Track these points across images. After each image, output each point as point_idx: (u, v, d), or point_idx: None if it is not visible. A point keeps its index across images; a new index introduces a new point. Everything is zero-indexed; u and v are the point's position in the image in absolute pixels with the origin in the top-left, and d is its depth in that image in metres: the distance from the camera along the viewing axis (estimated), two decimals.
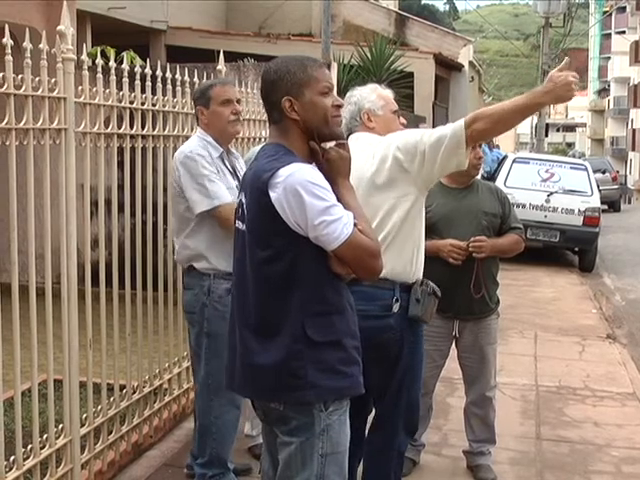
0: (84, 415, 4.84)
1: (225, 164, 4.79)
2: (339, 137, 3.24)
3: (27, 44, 4.10)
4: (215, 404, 4.84)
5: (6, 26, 4.06)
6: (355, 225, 3.02)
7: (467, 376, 5.49)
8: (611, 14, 63.94)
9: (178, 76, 5.69)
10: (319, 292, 3.08)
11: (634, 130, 60.79)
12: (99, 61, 4.83)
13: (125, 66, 5.12)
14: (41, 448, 4.43)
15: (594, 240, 15.42)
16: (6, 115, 3.98)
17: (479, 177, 5.54)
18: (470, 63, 24.77)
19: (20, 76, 4.09)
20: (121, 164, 5.27)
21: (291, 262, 3.04)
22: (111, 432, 5.16)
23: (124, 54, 5.84)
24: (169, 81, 5.61)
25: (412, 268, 4.07)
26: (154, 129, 5.49)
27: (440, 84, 22.22)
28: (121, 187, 5.28)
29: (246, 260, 3.15)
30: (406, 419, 4.31)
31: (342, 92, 4.56)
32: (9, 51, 3.99)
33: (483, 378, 5.41)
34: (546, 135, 32.83)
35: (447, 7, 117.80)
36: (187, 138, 5.24)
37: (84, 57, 4.65)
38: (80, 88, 4.65)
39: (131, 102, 5.22)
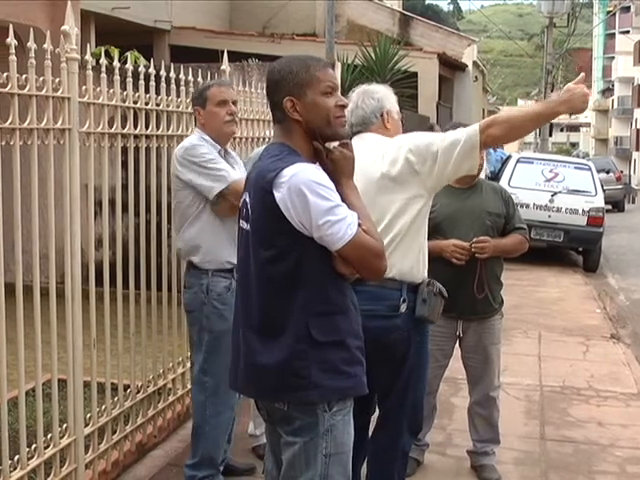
0: (88, 415, 4.84)
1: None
2: (342, 137, 3.23)
3: (31, 44, 4.11)
4: (210, 403, 4.85)
5: (10, 26, 4.04)
6: (359, 225, 3.01)
7: (471, 376, 5.49)
8: (615, 14, 64.07)
9: (182, 76, 5.70)
10: (323, 292, 3.08)
11: (638, 130, 60.79)
12: (103, 61, 4.85)
13: (129, 66, 5.12)
14: (45, 448, 4.43)
15: (598, 240, 15.41)
16: (10, 115, 3.99)
17: (483, 176, 5.53)
18: (474, 63, 24.74)
19: (24, 76, 4.10)
20: (125, 164, 5.27)
21: (295, 262, 3.04)
22: (115, 432, 5.16)
23: (128, 54, 5.83)
24: (173, 81, 5.62)
25: (419, 268, 4.08)
26: (158, 129, 5.49)
27: (444, 84, 22.20)
28: (125, 187, 5.28)
29: (250, 260, 3.15)
30: (410, 419, 4.30)
31: (346, 92, 4.55)
32: (13, 51, 4.00)
33: (487, 378, 5.40)
34: (550, 135, 32.85)
35: (451, 7, 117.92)
36: None
37: (88, 57, 4.65)
38: (84, 88, 4.65)
39: (135, 102, 5.23)
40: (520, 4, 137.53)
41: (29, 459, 4.30)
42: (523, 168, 15.96)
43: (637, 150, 61.14)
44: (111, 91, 4.95)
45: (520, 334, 9.81)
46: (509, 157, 17.96)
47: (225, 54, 6.15)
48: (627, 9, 64.88)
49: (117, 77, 5.00)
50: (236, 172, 4.72)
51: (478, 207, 5.21)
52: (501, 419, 5.59)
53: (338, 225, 2.96)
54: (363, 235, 3.02)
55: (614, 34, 75.04)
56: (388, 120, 4.28)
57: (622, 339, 9.99)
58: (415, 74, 18.17)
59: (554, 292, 13.07)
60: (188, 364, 5.93)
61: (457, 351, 5.42)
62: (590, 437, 6.39)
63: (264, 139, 6.75)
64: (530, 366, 8.38)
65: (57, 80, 4.38)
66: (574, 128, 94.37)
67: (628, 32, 65.09)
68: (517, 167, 15.99)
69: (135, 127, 5.23)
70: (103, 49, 7.60)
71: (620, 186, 33.84)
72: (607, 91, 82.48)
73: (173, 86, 5.60)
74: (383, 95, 4.33)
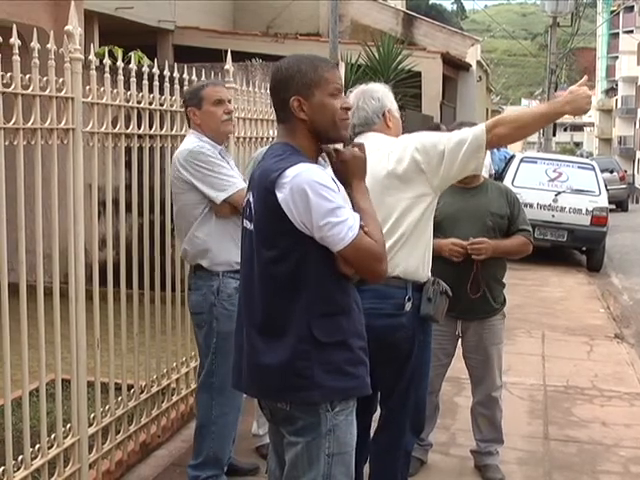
0: (92, 415, 4.85)
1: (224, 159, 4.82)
2: (345, 140, 3.24)
3: (35, 44, 4.11)
4: (216, 403, 4.85)
5: (14, 26, 4.05)
6: (361, 227, 3.01)
7: (473, 376, 5.49)
8: (619, 13, 63.93)
9: (185, 76, 5.70)
10: (326, 292, 3.08)
11: None
12: (107, 61, 4.84)
13: (133, 66, 5.13)
14: (49, 448, 4.44)
15: (602, 240, 15.40)
16: (14, 115, 3.99)
17: (486, 175, 5.52)
18: (478, 63, 24.74)
19: (28, 76, 4.10)
20: (129, 164, 5.28)
21: (297, 262, 3.04)
22: (119, 432, 5.16)
23: (131, 54, 5.84)
24: (176, 81, 5.62)
25: (424, 267, 4.09)
26: (162, 129, 5.50)
27: (448, 84, 22.19)
28: (129, 187, 5.28)
29: (253, 260, 3.15)
30: (413, 418, 4.30)
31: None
32: (17, 51, 4.00)
33: (489, 378, 5.40)
34: (554, 134, 32.81)
35: (455, 7, 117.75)
36: None
37: (92, 57, 4.66)
38: (88, 88, 4.66)
39: (139, 102, 5.23)
40: (524, 4, 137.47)
41: (33, 459, 4.30)
42: (527, 168, 15.95)
43: None
44: (115, 91, 4.95)
45: (524, 334, 9.80)
46: (513, 156, 17.95)
47: (229, 54, 6.15)
48: (631, 9, 64.72)
49: (121, 77, 5.01)
50: (241, 180, 4.73)
51: (481, 207, 5.21)
52: (505, 419, 5.58)
53: (339, 227, 2.96)
54: (364, 237, 3.01)
55: (618, 34, 74.95)
56: (390, 119, 4.29)
57: (626, 339, 9.98)
58: (419, 74, 18.16)
59: (558, 292, 13.07)
60: (192, 364, 5.94)
61: (459, 350, 5.42)
62: (594, 437, 6.38)
63: (267, 139, 6.75)
64: (534, 366, 8.38)
65: (61, 80, 4.39)
66: (578, 128, 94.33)
67: (632, 32, 64.97)
68: (521, 167, 15.98)
69: (139, 127, 5.24)
70: (107, 49, 7.62)
71: (624, 186, 33.85)
72: (611, 91, 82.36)
73: (177, 86, 5.60)
74: (383, 94, 4.33)
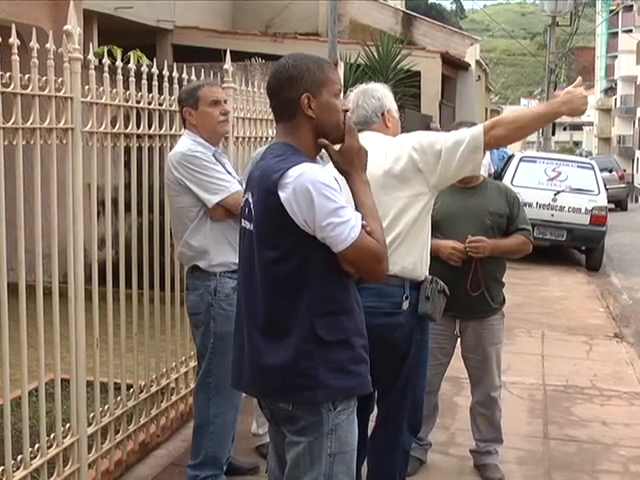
0: (91, 414, 4.85)
1: (218, 162, 4.82)
2: (344, 141, 3.24)
3: (34, 44, 4.11)
4: (214, 403, 4.85)
5: (13, 26, 4.05)
6: (363, 227, 3.01)
7: (472, 376, 5.49)
8: (618, 13, 63.94)
9: (185, 75, 5.70)
10: (328, 292, 3.08)
11: None
12: (106, 61, 4.84)
13: (132, 65, 5.12)
14: (48, 447, 4.44)
15: (601, 239, 15.41)
16: (13, 115, 3.99)
17: (486, 175, 5.52)
18: (477, 62, 24.75)
19: (27, 76, 4.10)
20: (128, 164, 5.28)
21: (299, 262, 3.04)
22: (118, 431, 5.16)
23: (131, 53, 5.84)
24: (176, 80, 5.62)
25: (422, 266, 4.09)
26: (160, 128, 5.50)
27: (447, 83, 22.21)
28: (128, 186, 5.28)
29: (254, 260, 3.15)
30: (410, 418, 4.30)
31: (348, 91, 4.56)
32: (16, 51, 4.01)
33: (488, 378, 5.40)
34: (553, 134, 32.82)
35: (454, 6, 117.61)
36: None
37: (91, 57, 4.66)
38: (87, 88, 4.66)
39: (138, 102, 5.23)
40: (523, 3, 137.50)
41: (32, 459, 4.30)
42: (526, 167, 15.95)
43: None
44: (114, 91, 4.95)
45: (523, 333, 9.80)
46: (512, 156, 17.96)
47: (228, 54, 6.14)
48: (630, 8, 64.73)
49: (120, 77, 5.01)
50: (235, 183, 4.73)
51: (480, 206, 5.20)
52: (504, 418, 5.58)
53: (341, 227, 2.96)
54: (366, 238, 3.01)
55: (617, 33, 74.94)
56: (389, 119, 4.30)
57: (625, 338, 9.99)
58: (418, 73, 18.16)
59: (557, 291, 13.07)
60: (191, 364, 5.94)
61: (459, 350, 5.42)
62: (593, 436, 6.38)
63: (267, 138, 6.75)
64: (533, 365, 8.38)
65: (60, 80, 4.39)
66: (577, 127, 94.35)
67: (631, 31, 64.94)
68: (520, 166, 15.99)
69: (138, 127, 5.24)
70: (106, 49, 7.61)
71: (623, 185, 33.84)
72: (610, 90, 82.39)
73: (176, 86, 5.60)
74: (383, 94, 4.34)
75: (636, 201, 44.11)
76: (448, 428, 6.31)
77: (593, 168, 16.19)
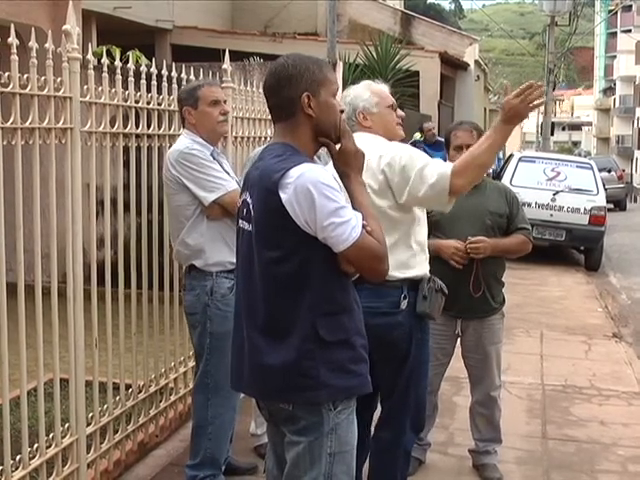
0: (90, 414, 4.84)
1: (216, 161, 4.82)
2: (341, 142, 3.25)
3: (33, 43, 4.11)
4: (212, 404, 4.85)
5: (12, 26, 4.05)
6: (364, 227, 3.02)
7: (472, 376, 5.48)
8: (617, 13, 63.96)
9: (184, 75, 5.70)
10: (329, 292, 3.08)
11: None
12: (105, 60, 4.84)
13: (131, 65, 5.12)
14: (47, 447, 4.43)
15: (600, 239, 15.39)
16: (12, 114, 3.99)
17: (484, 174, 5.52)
18: (476, 62, 24.77)
19: (26, 75, 4.10)
20: (127, 163, 5.27)
21: (300, 262, 3.04)
22: (117, 431, 5.16)
23: (130, 53, 5.84)
24: (175, 80, 5.62)
25: (419, 266, 4.10)
26: (160, 128, 5.50)
27: (446, 83, 22.22)
28: (127, 186, 5.28)
29: (252, 261, 3.14)
30: (413, 417, 4.31)
31: None
32: (14, 50, 4.00)
33: (488, 378, 5.39)
34: (552, 134, 32.84)
35: (453, 6, 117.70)
36: None
37: (90, 56, 4.66)
38: (86, 87, 4.65)
39: (137, 101, 5.23)
40: (522, 3, 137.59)
41: (31, 459, 4.30)
42: (525, 167, 15.94)
43: (639, 149, 61.08)
44: (113, 90, 4.95)
45: (522, 333, 9.80)
46: (511, 156, 17.95)
47: (227, 53, 6.14)
48: (629, 8, 64.79)
49: (119, 76, 5.00)
50: (232, 182, 4.74)
51: (480, 206, 5.20)
52: (503, 418, 5.58)
53: (342, 227, 2.97)
54: (367, 238, 3.02)
55: (616, 33, 74.99)
56: (365, 118, 4.27)
57: (624, 338, 9.99)
58: (417, 73, 18.19)
59: (556, 291, 13.07)
60: (190, 363, 5.94)
61: (458, 349, 5.42)
62: (592, 436, 6.38)
63: (265, 138, 6.74)
64: (532, 365, 8.38)
65: (59, 80, 4.38)
66: (576, 127, 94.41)
67: (630, 31, 64.98)
68: (519, 166, 15.97)
69: (137, 126, 5.23)
70: (105, 48, 7.59)
71: (622, 185, 33.83)
72: (609, 90, 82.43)
73: (175, 85, 5.60)
74: (353, 96, 4.31)
75: (635, 201, 44.13)
76: (447, 428, 6.31)
77: (592, 168, 16.19)
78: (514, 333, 9.48)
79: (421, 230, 4.20)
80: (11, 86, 3.99)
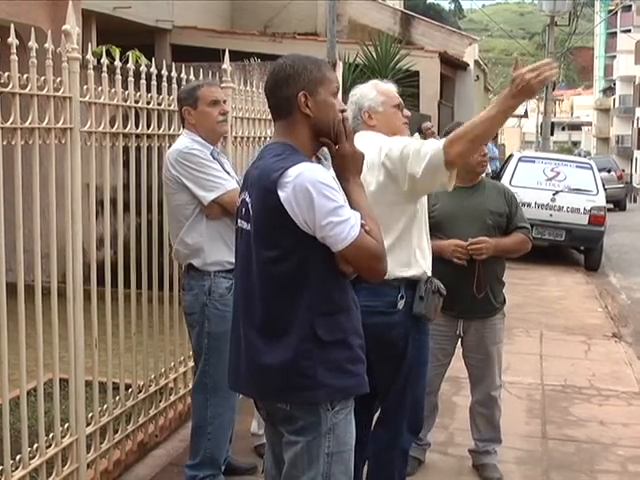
0: (90, 414, 4.84)
1: (216, 161, 4.82)
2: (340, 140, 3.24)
3: (32, 43, 4.11)
4: (211, 404, 4.85)
5: (11, 25, 4.05)
6: (362, 226, 3.02)
7: (472, 376, 5.49)
8: (616, 13, 63.97)
9: (183, 75, 5.70)
10: (327, 291, 3.08)
11: (639, 129, 60.72)
12: (104, 60, 4.85)
13: (130, 65, 5.12)
14: (47, 447, 4.43)
15: (600, 239, 15.39)
16: (11, 114, 3.99)
17: (483, 175, 5.53)
18: (475, 62, 24.75)
19: (25, 75, 4.10)
20: (126, 163, 5.27)
21: (299, 262, 3.04)
22: (117, 431, 5.16)
23: (129, 53, 5.84)
24: (174, 80, 5.62)
25: (417, 266, 4.09)
26: (159, 128, 5.50)
27: (445, 83, 22.20)
28: (126, 186, 5.28)
29: (251, 260, 3.15)
30: (411, 418, 4.31)
31: (347, 91, 4.56)
32: (14, 50, 4.00)
33: (488, 377, 5.40)
34: (551, 134, 32.82)
35: (452, 6, 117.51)
36: None
37: (89, 56, 4.66)
38: (85, 87, 4.65)
39: (136, 101, 5.23)
40: (521, 3, 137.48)
41: (31, 458, 4.30)
42: (525, 167, 15.94)
43: (639, 149, 61.08)
44: (112, 90, 4.95)
45: (522, 333, 9.81)
46: (511, 156, 17.94)
47: (226, 53, 6.14)
48: (629, 8, 64.80)
49: (118, 76, 5.00)
50: (232, 181, 4.74)
51: (479, 206, 5.20)
52: (503, 418, 5.58)
53: (341, 226, 2.97)
54: (365, 237, 3.02)
55: (615, 33, 74.99)
56: (370, 117, 4.28)
57: (624, 338, 10.00)
58: (417, 73, 18.18)
59: (556, 291, 13.07)
60: (190, 363, 5.93)
61: (459, 350, 5.42)
62: (592, 436, 6.39)
63: (265, 138, 6.74)
64: (532, 365, 8.38)
65: (58, 80, 4.38)
66: (576, 127, 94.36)
67: (630, 31, 64.99)
68: (519, 166, 15.98)
69: (137, 126, 5.23)
70: (104, 48, 7.60)
71: (621, 185, 33.82)
72: (608, 90, 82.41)
73: (174, 85, 5.60)
74: (359, 96, 4.34)
75: (634, 201, 44.08)
76: (447, 428, 6.31)
77: (592, 168, 16.20)
78: (514, 333, 9.48)
79: (421, 231, 4.19)
80: (11, 86, 3.99)
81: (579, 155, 35.83)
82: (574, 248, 16.79)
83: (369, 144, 4.03)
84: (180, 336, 5.90)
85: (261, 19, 20.18)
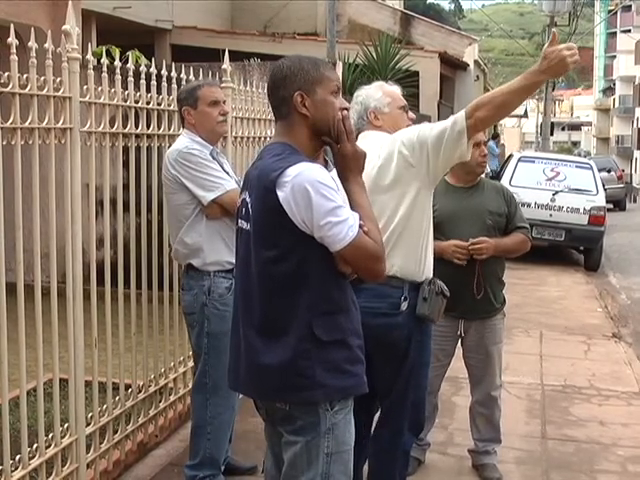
0: (90, 414, 4.84)
1: (216, 161, 4.82)
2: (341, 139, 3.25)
3: (32, 43, 4.11)
4: (211, 404, 4.86)
5: (11, 25, 4.05)
6: (361, 227, 3.02)
7: (472, 376, 5.49)
8: (616, 13, 64.00)
9: (183, 75, 5.69)
10: (326, 291, 3.08)
11: (639, 129, 60.72)
12: (104, 60, 4.85)
13: (130, 65, 5.12)
14: (47, 447, 4.43)
15: (599, 239, 15.39)
16: (11, 114, 3.99)
17: (483, 175, 5.53)
18: (475, 62, 24.73)
19: (25, 75, 4.10)
20: (126, 163, 5.27)
21: (298, 262, 3.04)
22: (116, 431, 5.16)
23: (129, 53, 5.84)
24: (174, 80, 5.62)
25: (421, 266, 4.10)
26: (159, 128, 5.49)
27: (445, 83, 22.19)
28: (126, 186, 5.28)
29: (250, 260, 3.15)
30: (412, 419, 4.31)
31: (347, 91, 4.58)
32: (14, 50, 4.00)
33: (488, 377, 5.40)
34: (551, 134, 32.86)
35: (452, 6, 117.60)
36: None
37: (89, 56, 4.66)
38: (85, 87, 4.65)
39: (136, 101, 5.23)
40: (521, 3, 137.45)
41: (30, 459, 4.29)
42: (524, 167, 15.95)
43: (638, 149, 61.10)
44: (112, 90, 4.95)
45: (521, 333, 9.81)
46: (510, 156, 17.94)
47: (226, 53, 6.14)
48: (628, 8, 64.87)
49: (118, 76, 5.00)
50: (231, 181, 4.75)
51: (479, 206, 5.21)
52: (502, 418, 5.58)
53: (339, 227, 2.97)
54: (364, 237, 3.02)
55: (615, 33, 75.09)
56: (376, 117, 4.31)
57: (623, 338, 10.00)
58: (416, 73, 18.16)
59: (555, 291, 13.07)
60: (189, 363, 5.93)
61: (458, 350, 5.42)
62: (592, 436, 6.39)
63: (265, 138, 6.75)
64: (531, 365, 8.38)
65: (58, 80, 4.38)
66: (575, 127, 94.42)
67: (629, 31, 65.08)
68: (518, 166, 15.98)
69: (136, 126, 5.23)
70: (104, 48, 7.60)
71: (621, 185, 33.82)
72: (608, 90, 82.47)
73: (174, 85, 5.60)
74: (365, 96, 4.37)
75: (634, 201, 44.05)
76: (447, 428, 6.31)
77: (591, 168, 16.20)
78: (513, 333, 9.48)
79: (428, 232, 4.19)
80: (11, 86, 3.98)
81: (579, 155, 35.84)
82: (574, 248, 16.79)
83: (372, 143, 4.05)
84: (180, 336, 5.90)
85: (261, 19, 20.17)
